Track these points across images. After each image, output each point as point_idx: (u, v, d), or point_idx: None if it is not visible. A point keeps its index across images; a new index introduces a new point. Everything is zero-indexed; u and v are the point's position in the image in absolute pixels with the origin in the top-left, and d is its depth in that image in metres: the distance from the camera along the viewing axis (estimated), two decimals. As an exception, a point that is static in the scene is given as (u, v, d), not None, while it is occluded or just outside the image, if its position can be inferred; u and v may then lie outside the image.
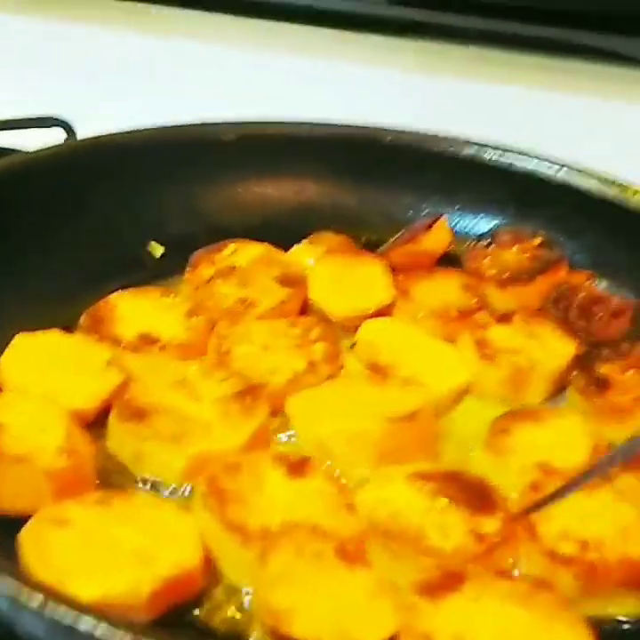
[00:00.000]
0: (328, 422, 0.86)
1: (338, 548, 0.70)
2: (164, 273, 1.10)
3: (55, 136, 1.21)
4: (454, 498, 0.78)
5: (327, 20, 1.61)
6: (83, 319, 0.96)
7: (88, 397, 0.86)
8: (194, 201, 1.17)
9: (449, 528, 0.75)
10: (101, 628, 0.59)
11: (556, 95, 1.52)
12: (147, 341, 0.94)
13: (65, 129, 1.24)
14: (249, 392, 0.86)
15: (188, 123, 1.17)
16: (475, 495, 0.78)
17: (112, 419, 0.84)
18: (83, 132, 1.22)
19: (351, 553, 0.70)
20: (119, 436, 0.82)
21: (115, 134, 1.13)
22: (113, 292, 1.01)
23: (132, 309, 0.99)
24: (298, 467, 0.79)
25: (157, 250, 1.13)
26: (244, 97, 1.46)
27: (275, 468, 0.79)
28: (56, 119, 1.24)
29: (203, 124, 1.18)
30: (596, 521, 0.77)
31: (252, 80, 1.58)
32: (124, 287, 1.03)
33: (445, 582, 0.68)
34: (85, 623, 0.59)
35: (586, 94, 1.51)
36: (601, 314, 1.03)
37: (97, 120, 1.18)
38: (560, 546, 0.74)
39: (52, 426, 0.78)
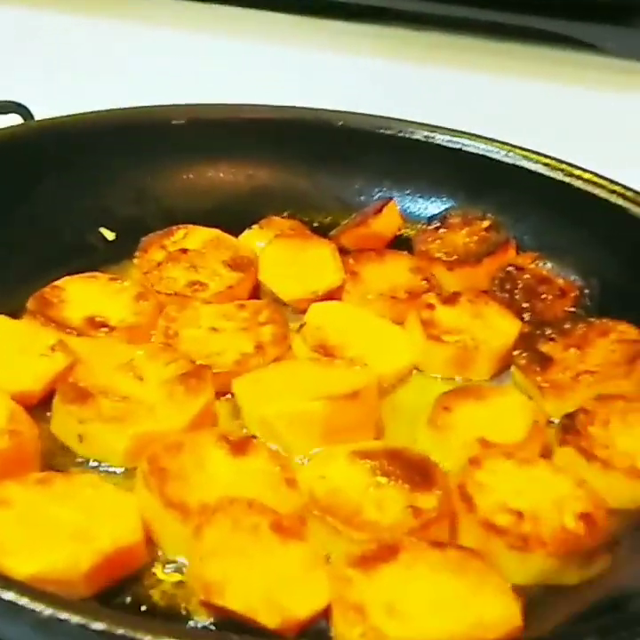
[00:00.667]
0: (272, 403, 0.86)
1: (274, 523, 0.71)
2: (114, 258, 1.10)
3: (13, 121, 1.21)
4: (394, 475, 0.79)
5: (288, 6, 1.61)
6: (29, 303, 0.96)
7: (32, 380, 0.86)
8: (145, 185, 1.17)
9: (386, 503, 0.77)
10: (38, 604, 0.60)
11: (513, 80, 1.53)
12: (94, 325, 0.94)
13: (22, 115, 1.24)
14: (194, 373, 0.87)
15: (138, 106, 1.17)
16: (415, 472, 0.80)
17: (56, 401, 0.84)
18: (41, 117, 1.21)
19: (287, 527, 0.71)
20: (63, 417, 0.83)
21: (62, 118, 1.13)
22: (61, 277, 1.02)
23: (80, 293, 0.99)
24: (240, 446, 0.80)
25: (108, 235, 1.13)
26: (202, 82, 1.46)
27: (217, 448, 0.79)
28: (13, 103, 1.23)
29: (153, 107, 1.18)
30: (533, 493, 0.78)
31: (212, 65, 1.58)
32: (73, 273, 1.03)
33: (379, 554, 0.69)
34: (18, 597, 0.60)
35: (543, 79, 1.53)
36: (545, 294, 1.05)
37: (56, 105, 1.17)
38: (496, 517, 0.76)
39: (-6, 407, 0.79)
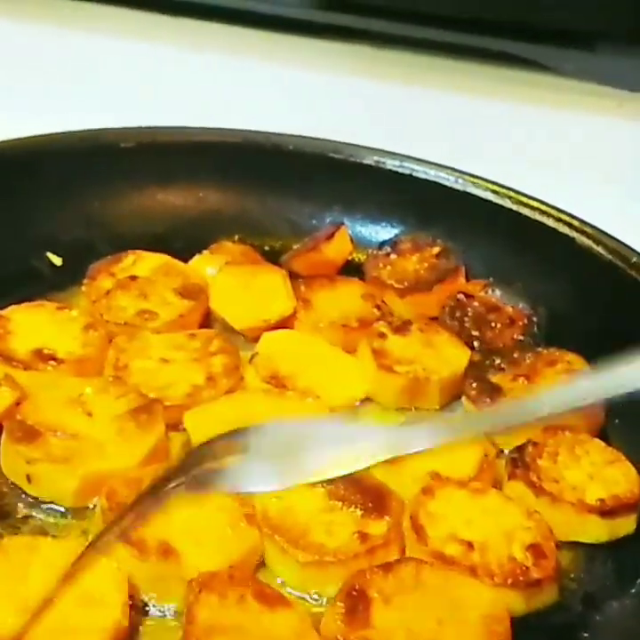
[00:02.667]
0: (224, 438, 0.86)
1: (256, 592, 0.70)
2: (61, 284, 1.08)
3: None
4: (348, 500, 0.80)
5: (258, 22, 1.59)
6: (-26, 335, 0.94)
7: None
8: (92, 210, 1.16)
9: (335, 527, 0.78)
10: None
11: (478, 101, 1.53)
12: (42, 357, 0.93)
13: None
14: (144, 409, 0.86)
15: (86, 129, 1.16)
16: (369, 498, 0.81)
17: (4, 440, 0.82)
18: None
19: (269, 594, 0.71)
20: (11, 457, 0.81)
21: (6, 142, 1.10)
22: (7, 306, 1.00)
23: (27, 324, 0.97)
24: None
25: (55, 260, 1.11)
26: (162, 99, 1.44)
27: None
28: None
29: (100, 131, 1.16)
30: (484, 523, 0.79)
31: (174, 81, 1.54)
32: (19, 301, 1.01)
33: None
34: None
35: (503, 99, 1.52)
36: (495, 322, 1.06)
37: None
38: (446, 547, 0.77)
39: None
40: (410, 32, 1.50)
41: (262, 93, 1.47)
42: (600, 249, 1.04)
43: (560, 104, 1.43)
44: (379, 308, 1.07)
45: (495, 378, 0.97)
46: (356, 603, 0.70)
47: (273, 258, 1.15)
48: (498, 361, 0.99)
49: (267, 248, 1.18)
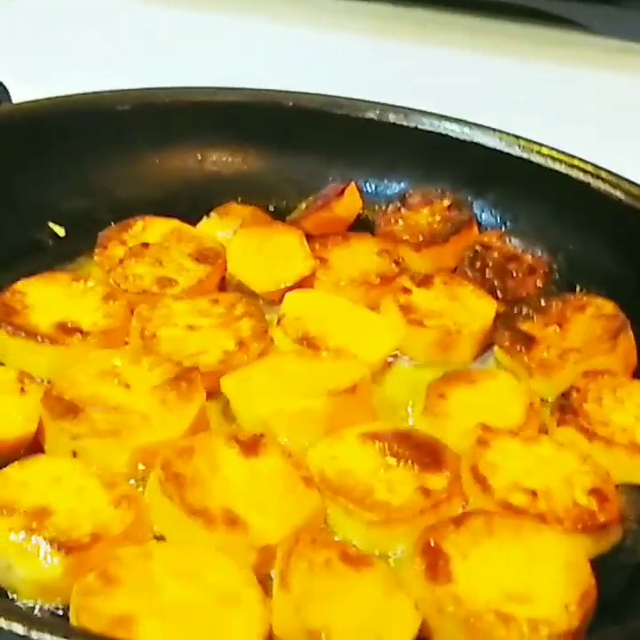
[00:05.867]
0: (268, 402, 0.84)
1: (341, 554, 0.69)
2: (68, 255, 1.04)
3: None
4: (403, 456, 0.79)
5: None
6: (-7, 311, 0.90)
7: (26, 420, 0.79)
8: (91, 176, 1.11)
9: (396, 484, 0.77)
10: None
11: (496, 57, 1.48)
12: (66, 331, 0.89)
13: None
14: (183, 377, 0.83)
15: (80, 93, 1.10)
16: (424, 453, 0.80)
17: (44, 418, 0.78)
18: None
19: (353, 556, 0.69)
20: (54, 434, 0.78)
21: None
22: (16, 280, 0.95)
23: (43, 297, 0.93)
24: (251, 445, 0.78)
25: (58, 231, 1.07)
26: (164, 60, 1.37)
27: (228, 449, 0.77)
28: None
29: (95, 94, 1.11)
30: (542, 471, 0.79)
31: (171, 41, 1.47)
32: (26, 275, 0.96)
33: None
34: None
35: (523, 56, 1.48)
36: (516, 272, 1.06)
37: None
38: (512, 497, 0.76)
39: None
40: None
41: (265, 52, 1.42)
42: (619, 193, 1.04)
43: (587, 60, 1.39)
44: (397, 263, 1.06)
45: (525, 326, 0.97)
46: (434, 558, 0.69)
47: (279, 218, 1.12)
48: (525, 310, 0.98)
49: (271, 208, 1.15)
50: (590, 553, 0.75)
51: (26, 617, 0.56)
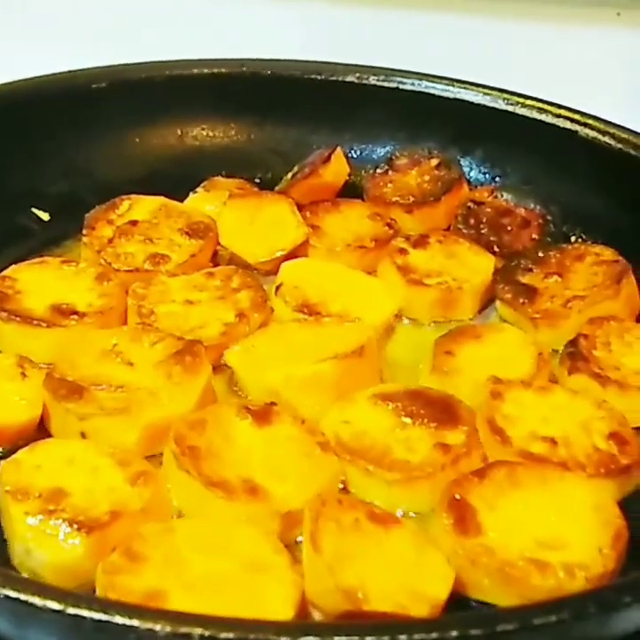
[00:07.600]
0: (276, 370, 0.82)
1: (369, 514, 0.67)
2: (54, 240, 1.02)
3: None
4: (418, 414, 0.78)
5: None
6: (-16, 297, 0.87)
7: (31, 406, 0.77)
8: (71, 158, 1.09)
9: (414, 443, 0.76)
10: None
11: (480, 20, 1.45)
12: (62, 313, 0.87)
13: None
14: (186, 351, 0.81)
15: (55, 72, 1.08)
16: (439, 410, 0.79)
17: (48, 401, 0.76)
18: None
19: (380, 515, 0.68)
20: (60, 416, 0.76)
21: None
22: (4, 267, 0.93)
23: (35, 281, 0.90)
24: (263, 414, 0.76)
25: (43, 215, 1.04)
26: (141, 35, 1.32)
27: (240, 419, 0.75)
28: None
29: (71, 72, 1.08)
30: (558, 419, 0.78)
31: (146, 14, 1.42)
32: (15, 261, 0.94)
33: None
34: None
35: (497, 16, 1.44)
36: (510, 226, 1.04)
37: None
38: (531, 446, 0.75)
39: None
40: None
41: (249, 24, 1.38)
42: (607, 139, 1.03)
43: (556, 17, 1.37)
44: (390, 225, 1.04)
45: (525, 279, 0.96)
46: (462, 512, 0.68)
47: (266, 189, 1.10)
48: (524, 262, 0.97)
49: (257, 180, 1.13)
50: (614, 497, 0.74)
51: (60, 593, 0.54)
